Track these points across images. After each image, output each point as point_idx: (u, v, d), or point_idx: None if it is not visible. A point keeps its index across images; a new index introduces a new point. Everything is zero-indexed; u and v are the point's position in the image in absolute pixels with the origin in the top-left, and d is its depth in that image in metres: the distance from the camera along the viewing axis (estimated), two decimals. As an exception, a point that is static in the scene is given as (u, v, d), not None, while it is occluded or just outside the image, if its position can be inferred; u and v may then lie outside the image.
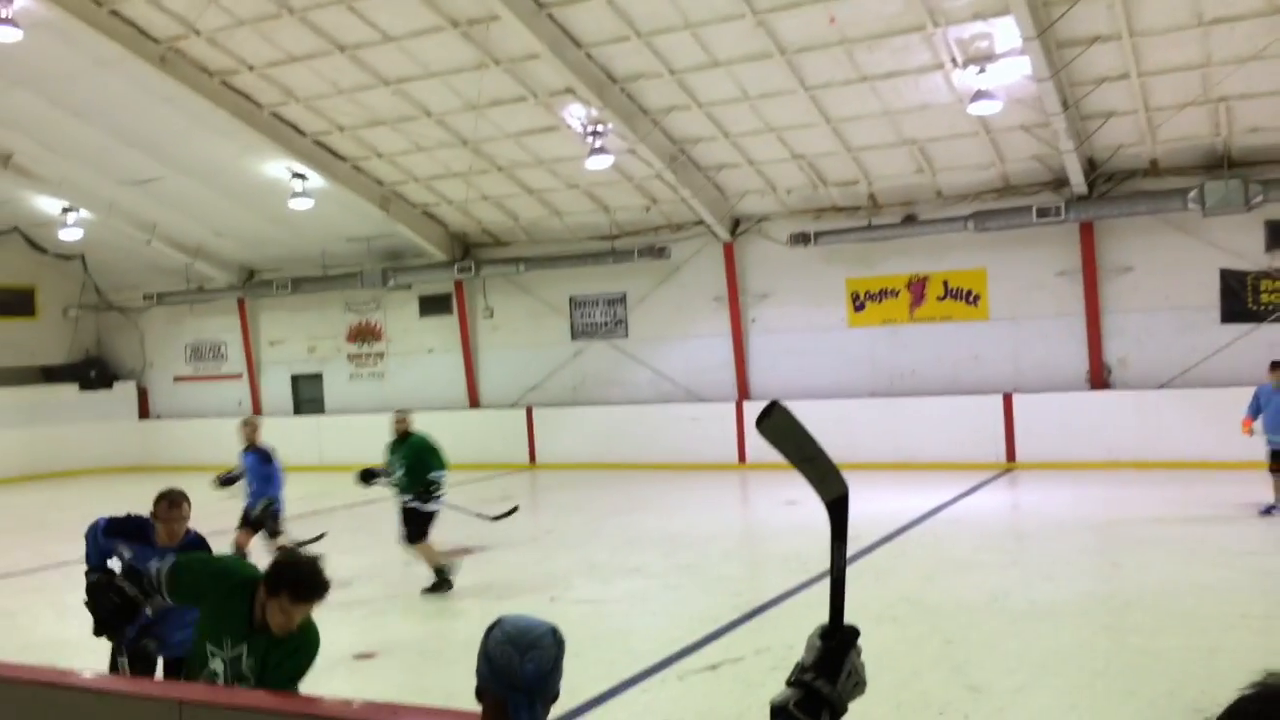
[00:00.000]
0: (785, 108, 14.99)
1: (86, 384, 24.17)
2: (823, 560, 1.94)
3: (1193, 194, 14.75)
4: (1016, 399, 16.54)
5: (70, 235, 21.21)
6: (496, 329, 21.00)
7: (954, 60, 13.49)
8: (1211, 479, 13.67)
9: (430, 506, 9.89)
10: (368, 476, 10.36)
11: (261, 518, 9.99)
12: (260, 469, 10.04)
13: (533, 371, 20.58)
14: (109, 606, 4.55)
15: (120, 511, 5.39)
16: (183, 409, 24.30)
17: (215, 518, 8.96)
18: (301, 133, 17.05)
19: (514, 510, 11.45)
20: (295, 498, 15.21)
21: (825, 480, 1.93)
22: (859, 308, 17.89)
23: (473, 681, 2.30)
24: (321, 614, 3.79)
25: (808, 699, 1.81)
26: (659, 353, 19.48)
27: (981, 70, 13.33)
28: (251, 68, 15.31)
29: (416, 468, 9.86)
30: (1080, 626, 7.82)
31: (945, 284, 17.27)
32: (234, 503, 10.36)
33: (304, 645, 3.71)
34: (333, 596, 3.81)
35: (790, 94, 14.58)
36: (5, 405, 22.46)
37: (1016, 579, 9.55)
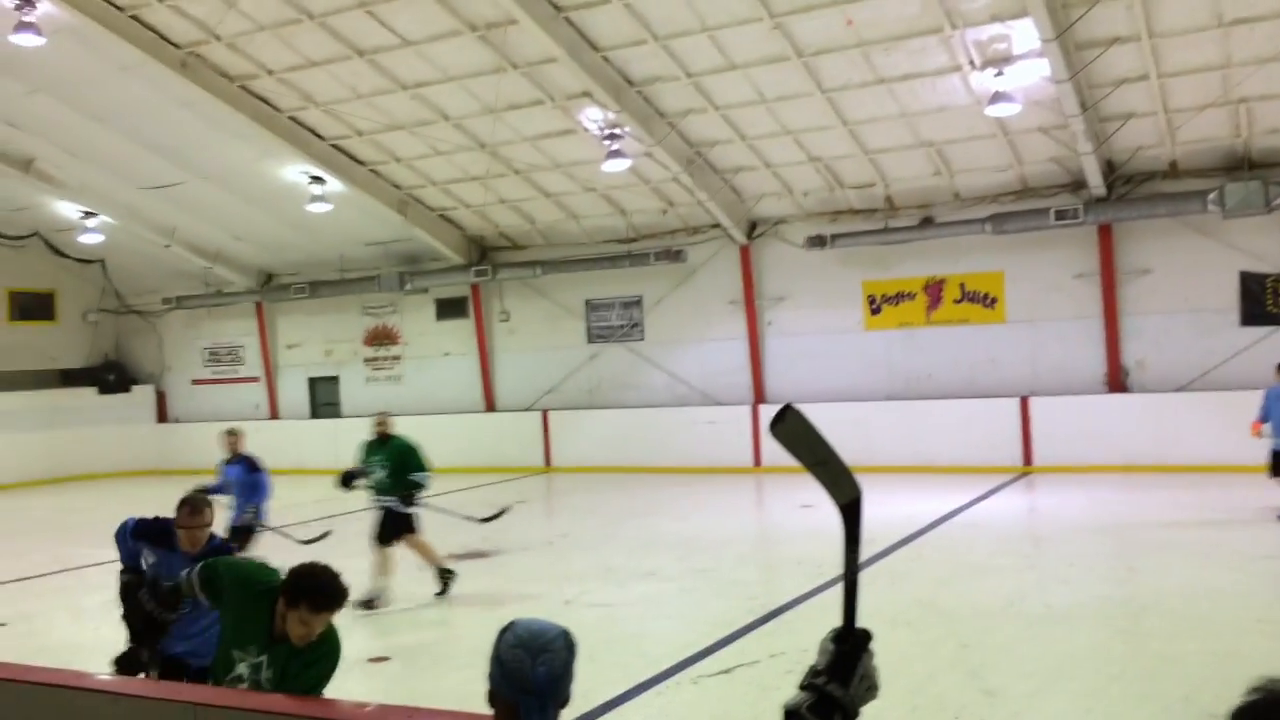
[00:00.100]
0: (802, 110, 14.97)
1: (105, 388, 24.34)
2: (838, 564, 1.94)
3: (1212, 196, 14.65)
4: (1033, 402, 16.45)
5: (90, 240, 21.39)
6: (513, 332, 21.04)
7: (972, 62, 13.45)
8: (1229, 483, 13.56)
9: (410, 509, 9.75)
10: (348, 479, 10.09)
11: (248, 526, 9.73)
12: (248, 477, 9.79)
13: (548, 375, 20.61)
14: (140, 614, 4.56)
15: (138, 514, 5.39)
16: (200, 412, 24.44)
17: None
18: (320, 137, 17.14)
19: (503, 512, 11.34)
20: (311, 501, 15.34)
21: (838, 484, 1.93)
22: (875, 310, 17.84)
23: (485, 685, 2.30)
24: (335, 617, 3.78)
25: (820, 703, 1.80)
26: (675, 356, 19.47)
27: (999, 72, 13.28)
28: (271, 72, 15.40)
29: (399, 470, 9.69)
30: (1096, 631, 7.77)
31: (962, 287, 17.20)
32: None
33: (324, 655, 3.67)
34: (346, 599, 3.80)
35: (807, 96, 14.56)
36: (25, 408, 22.63)
37: (1033, 583, 9.50)
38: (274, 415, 23.67)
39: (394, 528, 9.67)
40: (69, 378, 24.19)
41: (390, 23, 13.95)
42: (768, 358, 18.70)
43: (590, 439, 19.75)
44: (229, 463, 10.04)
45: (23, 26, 12.88)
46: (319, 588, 3.60)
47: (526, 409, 20.74)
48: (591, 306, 20.18)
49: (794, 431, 1.89)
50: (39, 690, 3.04)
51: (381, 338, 22.51)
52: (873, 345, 17.84)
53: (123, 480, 22.49)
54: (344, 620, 4.06)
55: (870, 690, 1.84)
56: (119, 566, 5.14)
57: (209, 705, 2.85)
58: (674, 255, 18.59)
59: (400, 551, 9.76)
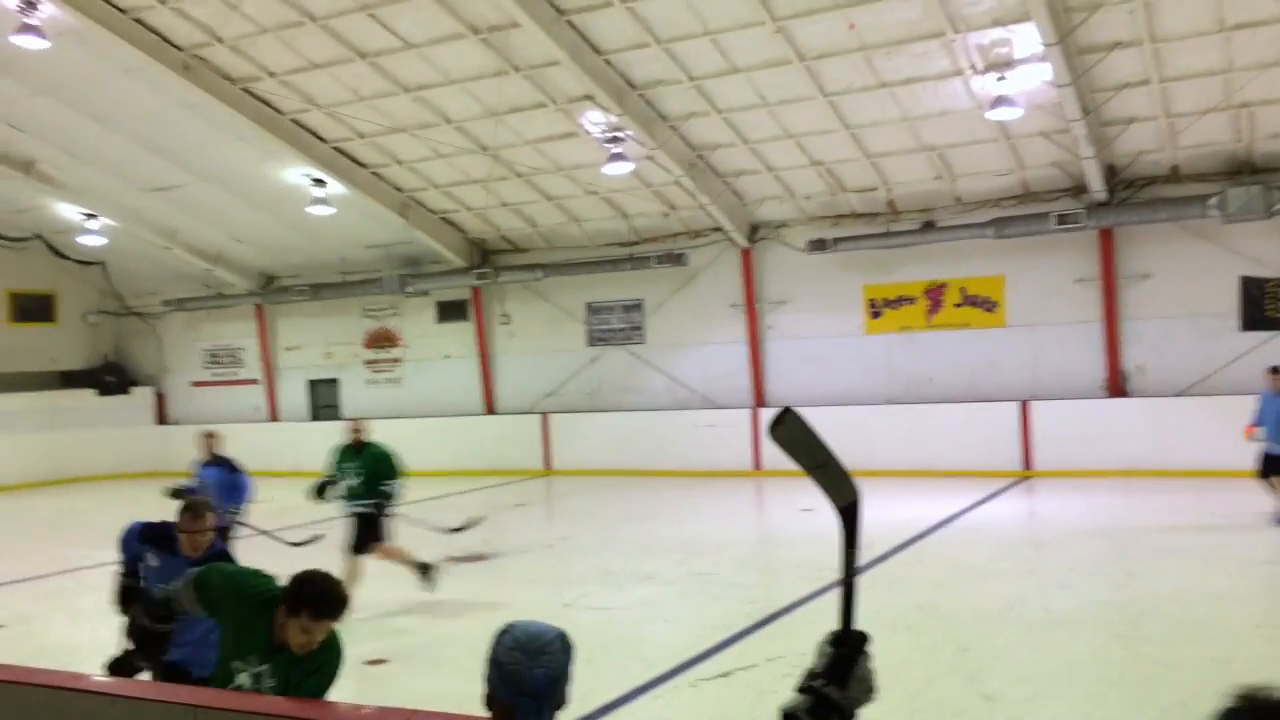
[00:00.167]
0: (804, 114, 14.98)
1: (105, 389, 24.34)
2: (837, 568, 1.93)
3: (1213, 200, 14.66)
4: (1033, 406, 16.44)
5: (91, 241, 21.39)
6: (513, 335, 21.04)
7: (974, 66, 13.45)
8: (1228, 487, 13.54)
9: (381, 517, 9.59)
10: (322, 490, 9.83)
11: (227, 525, 9.47)
12: (227, 478, 9.63)
13: (549, 378, 20.60)
14: (136, 626, 4.55)
15: (136, 516, 5.38)
16: (200, 414, 24.41)
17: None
18: (322, 139, 17.15)
19: (473, 523, 11.07)
20: (309, 504, 15.30)
21: (837, 486, 1.93)
22: (876, 314, 17.84)
23: (483, 687, 2.30)
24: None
25: (818, 705, 1.80)
26: (675, 359, 19.47)
27: (1001, 76, 13.28)
28: (273, 75, 15.41)
29: (373, 478, 9.55)
30: (1095, 635, 7.76)
31: (963, 291, 17.20)
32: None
33: (326, 662, 3.64)
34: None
35: (809, 100, 14.57)
36: (25, 410, 22.64)
37: (1032, 587, 9.49)
38: (273, 417, 23.68)
39: (366, 536, 9.53)
40: (69, 379, 24.20)
41: (392, 25, 13.96)
42: (768, 361, 18.70)
43: (590, 442, 19.74)
44: (205, 464, 9.90)
45: (25, 29, 12.88)
46: (319, 595, 3.56)
47: (526, 412, 20.74)
48: (592, 309, 20.18)
49: (793, 434, 1.89)
50: (36, 692, 3.04)
51: (382, 340, 22.51)
52: (873, 349, 17.84)
53: (122, 482, 22.48)
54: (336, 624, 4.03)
55: (868, 693, 1.84)
56: (119, 569, 5.14)
57: (208, 707, 2.85)
58: (675, 259, 18.60)
59: (377, 559, 9.64)
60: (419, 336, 22.09)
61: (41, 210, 20.92)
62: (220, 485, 9.53)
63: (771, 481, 16.99)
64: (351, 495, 9.62)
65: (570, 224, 19.24)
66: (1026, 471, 16.33)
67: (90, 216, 20.69)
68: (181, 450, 23.23)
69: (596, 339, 20.22)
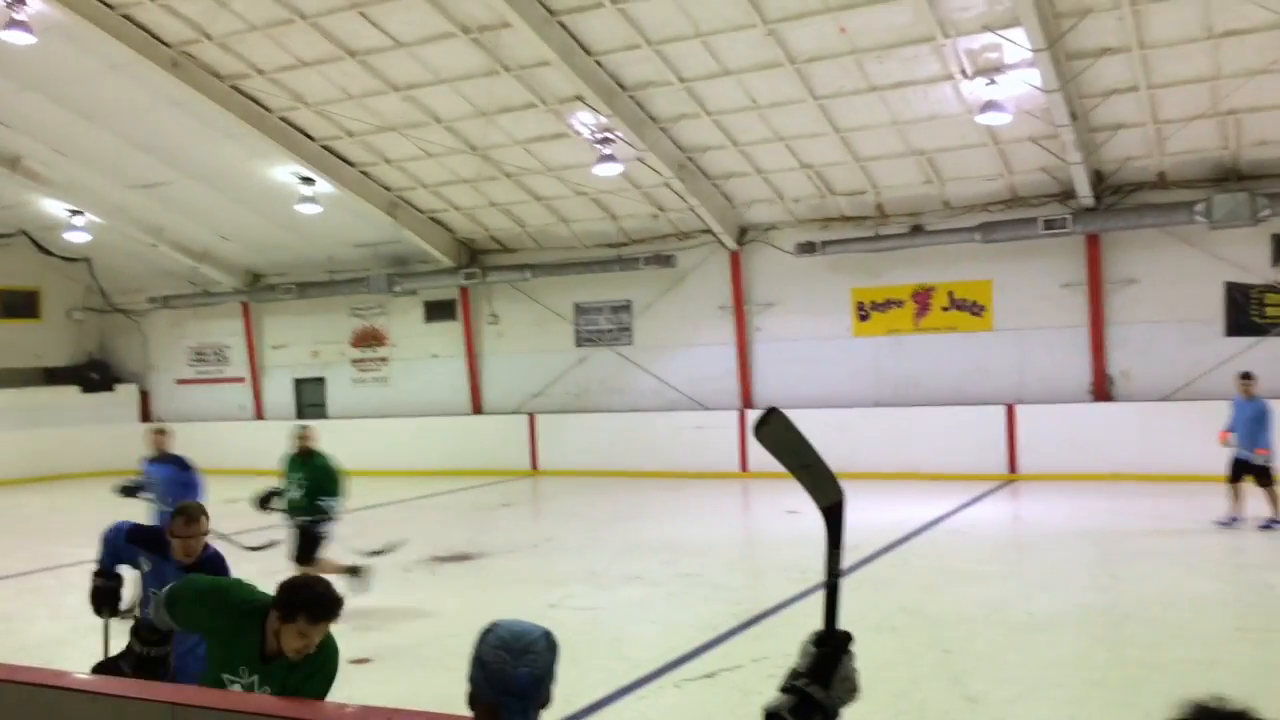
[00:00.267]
0: (794, 117, 15.00)
1: (89, 386, 24.22)
2: (822, 569, 1.93)
3: (1200, 207, 14.73)
4: (1019, 410, 16.50)
5: (76, 238, 21.28)
6: (501, 335, 21.02)
7: (963, 71, 13.49)
8: (1212, 492, 13.56)
9: (319, 530, 9.40)
10: (266, 500, 9.55)
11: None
12: (179, 477, 9.25)
13: (536, 378, 20.58)
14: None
15: (119, 515, 5.32)
16: (184, 412, 24.33)
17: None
18: (310, 138, 17.09)
19: (392, 548, 10.51)
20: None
21: (821, 487, 1.93)
22: (864, 317, 17.88)
23: (466, 687, 2.29)
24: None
25: (801, 705, 1.80)
26: (663, 360, 19.47)
27: (991, 81, 13.33)
28: (262, 72, 15.36)
29: (313, 491, 9.34)
30: (1078, 638, 7.80)
31: (950, 295, 17.26)
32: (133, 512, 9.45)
33: (322, 667, 3.60)
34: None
35: (799, 103, 14.59)
36: (8, 406, 22.50)
37: (1016, 590, 9.52)
38: (259, 416, 23.59)
39: (311, 548, 9.33)
40: (53, 376, 24.07)
41: (382, 24, 13.93)
42: (756, 363, 18.72)
43: (577, 443, 19.73)
44: (154, 461, 9.58)
45: (13, 24, 12.81)
46: (315, 599, 3.51)
47: (514, 412, 20.72)
48: (581, 310, 20.17)
49: (778, 435, 1.89)
50: (16, 689, 3.01)
51: (369, 339, 22.45)
52: (861, 352, 17.88)
53: (105, 479, 22.29)
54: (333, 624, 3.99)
55: (851, 692, 1.84)
56: (95, 569, 5.07)
57: (187, 705, 2.83)
58: (664, 260, 18.60)
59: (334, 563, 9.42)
60: (406, 336, 22.05)
61: (27, 206, 20.80)
62: (170, 483, 9.21)
63: (758, 483, 17.01)
64: (292, 507, 9.39)
65: (559, 224, 19.22)
66: (1012, 475, 16.39)
67: (76, 213, 20.59)
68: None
69: (584, 340, 20.21)
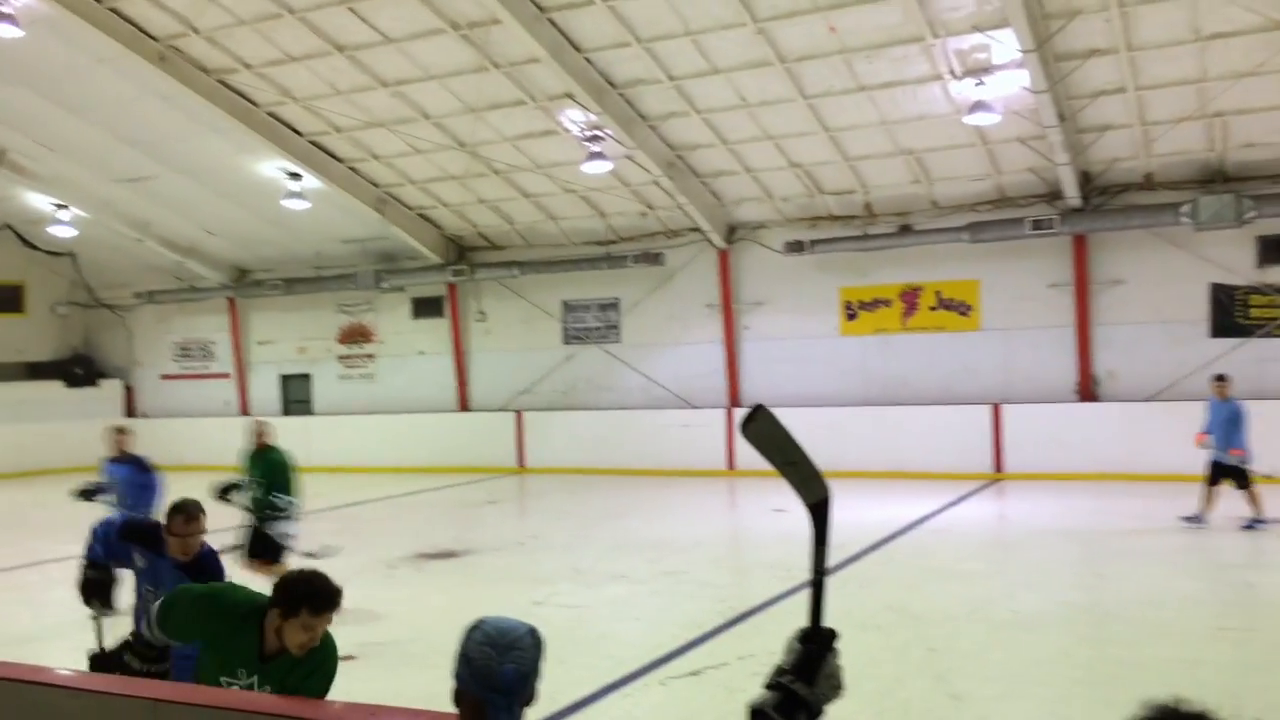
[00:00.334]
0: (783, 116, 15.01)
1: (73, 381, 24.08)
2: (808, 566, 1.93)
3: (1186, 208, 14.81)
4: (1005, 410, 16.56)
5: (62, 232, 21.16)
6: (489, 332, 20.98)
7: (952, 71, 13.53)
8: (1196, 492, 13.68)
9: (276, 529, 9.15)
10: (226, 491, 9.28)
11: None
12: (138, 478, 9.06)
13: (524, 375, 20.55)
14: (98, 596, 4.40)
15: (102, 511, 5.26)
16: (169, 408, 24.23)
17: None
18: (298, 133, 17.03)
19: (327, 553, 9.67)
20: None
21: (807, 484, 1.93)
22: (852, 317, 17.91)
23: (452, 684, 2.28)
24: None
25: (786, 701, 1.80)
26: (651, 359, 19.47)
27: (980, 82, 13.37)
28: (250, 67, 15.29)
29: (268, 487, 9.14)
30: (1062, 636, 7.83)
31: (938, 294, 17.30)
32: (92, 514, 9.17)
33: (322, 665, 3.58)
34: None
35: (789, 102, 14.60)
36: (-8, 401, 22.37)
37: (1001, 588, 9.55)
38: (244, 412, 23.47)
39: (263, 544, 9.12)
40: (36, 370, 23.93)
41: (372, 19, 13.88)
42: (744, 362, 18.73)
43: (564, 440, 19.71)
44: (114, 461, 9.36)
45: (1, 18, 12.74)
46: (316, 591, 3.50)
47: (501, 409, 20.69)
48: (569, 308, 20.16)
49: (764, 432, 1.89)
50: (-3, 684, 2.99)
51: (356, 336, 22.39)
52: (848, 351, 17.91)
53: (89, 475, 22.18)
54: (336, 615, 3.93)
55: (835, 689, 1.84)
56: (83, 561, 5.02)
57: (168, 701, 2.82)
58: (652, 258, 18.60)
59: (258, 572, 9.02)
60: (394, 332, 21.99)
61: (12, 200, 20.67)
62: (129, 485, 9.02)
63: (745, 481, 17.03)
64: (250, 505, 9.21)
65: (548, 222, 19.20)
66: (998, 474, 16.45)
67: (61, 207, 20.48)
68: (148, 444, 23.02)
69: (572, 337, 20.20)
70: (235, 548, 9.40)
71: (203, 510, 4.88)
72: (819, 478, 1.93)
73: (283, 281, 21.98)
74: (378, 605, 9.38)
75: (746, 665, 6.95)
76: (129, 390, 25.03)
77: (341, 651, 3.70)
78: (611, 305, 19.78)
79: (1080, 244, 16.10)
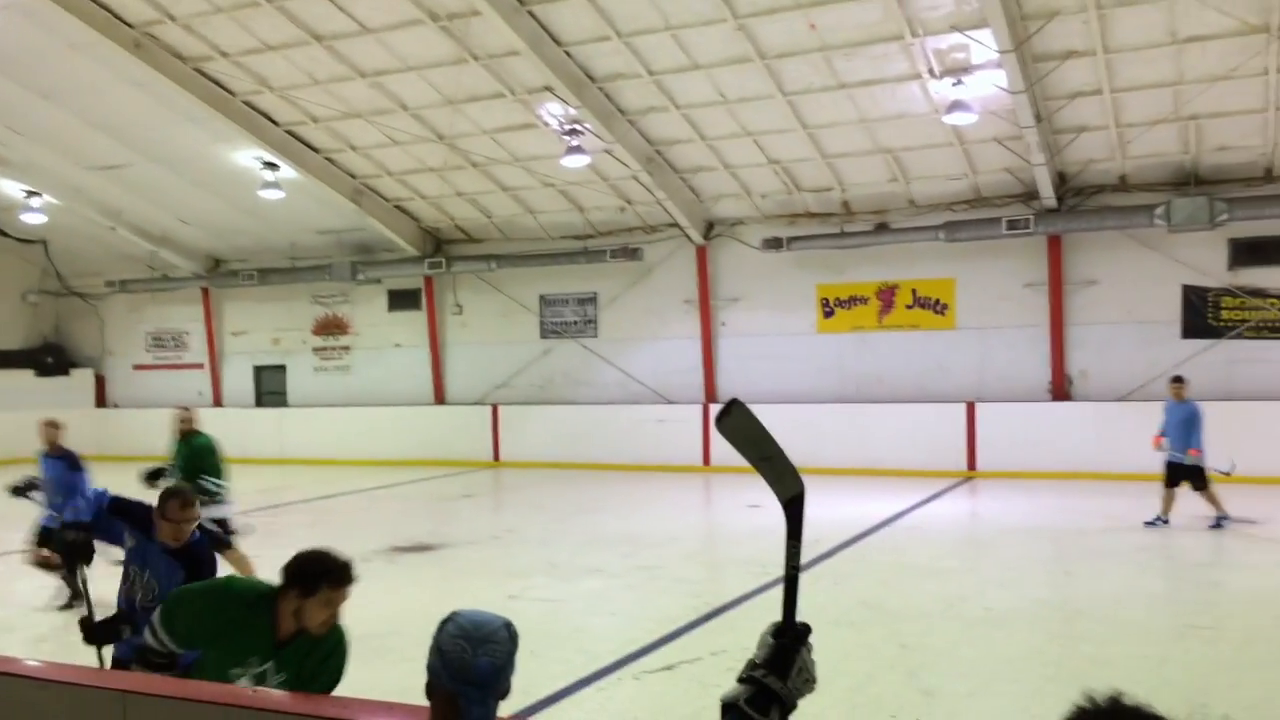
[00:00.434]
0: (762, 112, 15.03)
1: (43, 370, 23.82)
2: (782, 564, 1.94)
3: (1159, 210, 14.95)
4: (979, 408, 16.67)
5: (33, 219, 20.92)
6: (465, 325, 20.92)
7: (931, 70, 13.58)
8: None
9: (210, 513, 8.77)
10: (154, 476, 9.07)
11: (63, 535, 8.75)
12: (66, 477, 8.72)
13: (500, 369, 20.51)
14: (83, 557, 4.32)
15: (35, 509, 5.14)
16: (141, 398, 24.00)
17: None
18: (274, 123, 16.89)
19: (243, 530, 9.82)
20: (254, 490, 15.11)
21: (782, 479, 1.93)
22: (828, 314, 17.97)
23: (425, 677, 2.28)
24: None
25: (759, 695, 1.80)
26: (628, 353, 19.47)
27: (958, 81, 13.43)
28: (226, 55, 15.15)
29: (191, 472, 8.96)
30: (1033, 633, 7.89)
31: (914, 293, 17.39)
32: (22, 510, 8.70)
33: (338, 644, 3.58)
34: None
35: (768, 99, 14.62)
36: (-39, 389, 22.07)
37: (973, 586, 9.62)
38: (217, 403, 23.32)
39: (212, 536, 9.04)
40: (6, 359, 23.60)
41: (350, 9, 13.79)
42: (720, 358, 18.76)
43: (540, 434, 19.68)
44: (47, 456, 9.05)
45: (-31, -2, 12.58)
46: (331, 567, 3.52)
47: (477, 403, 20.63)
48: (546, 302, 20.12)
49: (739, 426, 1.89)
50: (-38, 675, 2.96)
51: (331, 327, 22.26)
52: (825, 348, 17.98)
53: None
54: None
55: (808, 684, 1.85)
56: (71, 521, 4.88)
57: (138, 693, 2.79)
58: (630, 253, 18.60)
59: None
60: (369, 325, 21.88)
61: (-18, 185, 20.41)
62: (58, 482, 8.74)
63: (720, 477, 17.06)
64: None
65: (525, 215, 19.14)
66: (971, 472, 16.56)
67: (32, 194, 20.24)
68: (119, 434, 22.97)
69: (549, 331, 20.16)
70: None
71: (197, 498, 4.82)
72: (793, 473, 1.93)
73: (257, 272, 21.81)
74: (351, 598, 9.34)
75: (720, 660, 6.97)
76: (100, 380, 24.78)
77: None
78: (589, 300, 19.76)
79: (1055, 244, 16.22)
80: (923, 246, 16.86)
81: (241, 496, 11.05)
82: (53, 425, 9.34)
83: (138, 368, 24.46)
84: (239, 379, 23.29)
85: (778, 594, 1.92)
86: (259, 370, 23.14)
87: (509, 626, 2.30)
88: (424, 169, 17.88)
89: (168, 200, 20.16)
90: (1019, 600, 8.86)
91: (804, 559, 1.95)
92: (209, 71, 15.65)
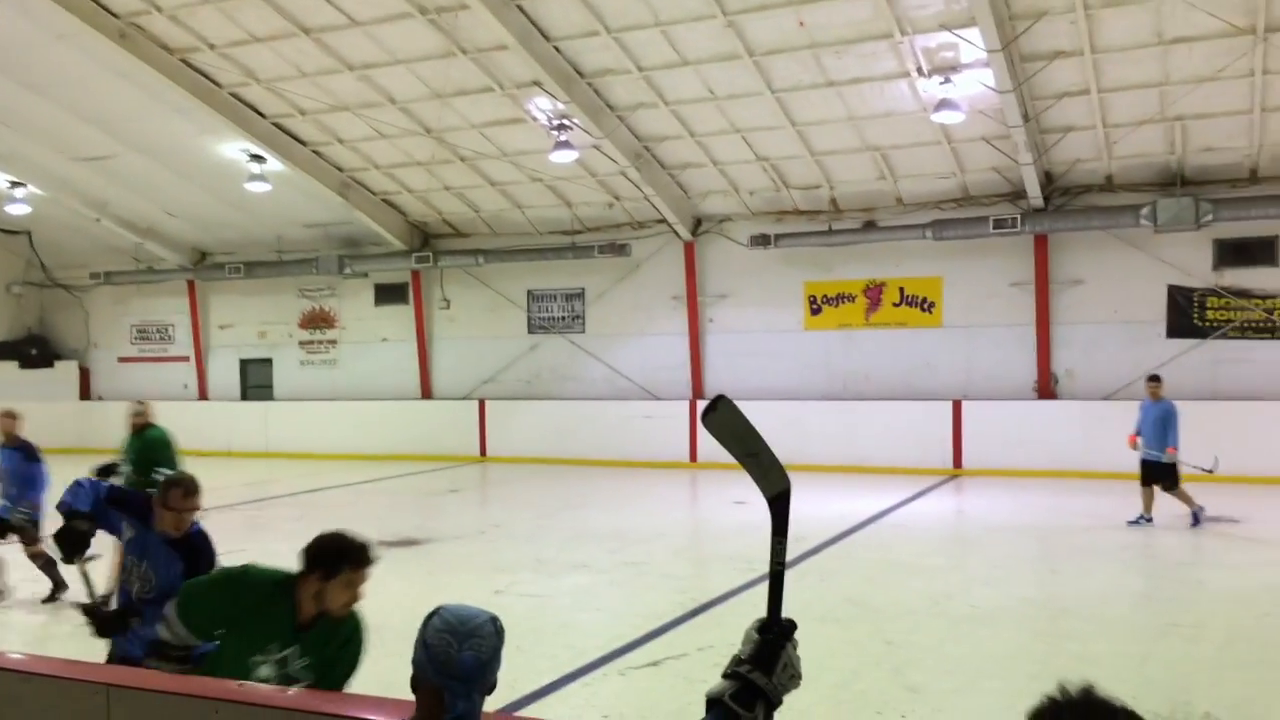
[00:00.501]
0: (751, 109, 15.04)
1: (27, 362, 23.70)
2: (768, 560, 1.94)
3: (1145, 210, 15.02)
4: (966, 406, 16.73)
5: (17, 210, 20.76)
6: (452, 320, 20.88)
7: (919, 69, 13.61)
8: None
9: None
10: (106, 472, 9.31)
11: (20, 527, 8.57)
12: (23, 468, 8.67)
13: (487, 364, 20.48)
14: (79, 548, 4.28)
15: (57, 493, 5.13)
16: (125, 390, 23.81)
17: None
18: (261, 115, 16.82)
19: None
20: (240, 484, 15.06)
21: (768, 475, 1.94)
22: (816, 311, 18.00)
23: (410, 671, 2.27)
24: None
25: (744, 691, 1.80)
26: (615, 349, 19.47)
27: (946, 80, 13.46)
28: (213, 46, 15.07)
29: (144, 465, 8.78)
30: (1018, 631, 7.93)
31: (901, 291, 17.43)
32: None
33: (357, 629, 3.58)
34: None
35: (757, 96, 14.63)
36: (-56, 381, 21.94)
37: (958, 583, 9.66)
38: (203, 396, 23.23)
39: None
40: (-10, 351, 23.53)
41: (338, 1, 13.73)
42: (708, 354, 18.78)
43: (527, 430, 19.66)
44: (4, 447, 8.97)
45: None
46: (349, 548, 3.51)
47: (464, 398, 20.60)
48: (533, 297, 20.09)
49: (725, 422, 1.90)
50: (-56, 668, 2.94)
51: (318, 321, 22.19)
52: (812, 345, 18.01)
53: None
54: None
55: (793, 679, 1.85)
56: (69, 510, 4.80)
57: (122, 686, 2.78)
58: (618, 249, 18.58)
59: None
60: (356, 319, 21.82)
61: (-34, 176, 20.26)
62: (14, 475, 8.66)
63: (707, 473, 17.07)
64: (127, 481, 8.81)
65: (513, 210, 19.11)
66: (957, 470, 16.62)
67: (17, 184, 20.09)
68: (104, 427, 22.75)
69: (537, 327, 20.14)
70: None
71: (200, 487, 4.74)
72: (779, 469, 1.94)
73: (243, 265, 21.72)
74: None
75: (706, 656, 6.98)
76: (85, 372, 24.65)
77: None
78: (577, 295, 19.74)
79: (1041, 243, 16.28)
80: (910, 245, 16.90)
81: (227, 490, 11.04)
82: (9, 416, 9.16)
83: (123, 360, 24.34)
84: (225, 372, 23.19)
85: (764, 590, 1.93)
86: (245, 363, 23.05)
87: (495, 621, 2.30)
88: (412, 163, 17.83)
89: (154, 192, 20.05)
90: (1004, 598, 8.90)
91: (790, 555, 1.95)
92: (195, 63, 15.57)
